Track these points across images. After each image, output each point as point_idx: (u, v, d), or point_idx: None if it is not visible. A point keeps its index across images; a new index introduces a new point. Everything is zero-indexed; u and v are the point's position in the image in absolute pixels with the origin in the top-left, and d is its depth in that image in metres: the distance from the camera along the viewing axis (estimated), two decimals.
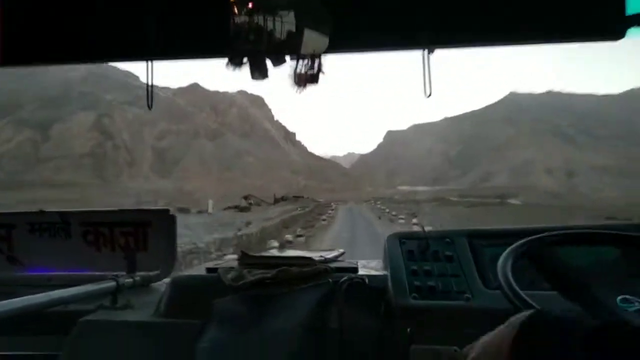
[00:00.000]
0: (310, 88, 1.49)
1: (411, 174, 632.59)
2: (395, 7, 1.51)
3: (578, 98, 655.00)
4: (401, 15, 1.51)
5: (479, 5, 1.51)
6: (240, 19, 1.42)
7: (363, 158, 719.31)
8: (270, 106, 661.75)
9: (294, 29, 1.42)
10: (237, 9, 1.42)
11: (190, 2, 1.61)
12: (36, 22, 1.70)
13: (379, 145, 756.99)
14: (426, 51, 1.49)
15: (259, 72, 1.48)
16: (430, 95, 1.47)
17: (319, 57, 1.48)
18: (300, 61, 1.48)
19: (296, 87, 1.50)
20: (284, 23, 1.41)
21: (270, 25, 1.42)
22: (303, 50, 1.44)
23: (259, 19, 1.41)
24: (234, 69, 1.50)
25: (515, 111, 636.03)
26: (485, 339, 0.84)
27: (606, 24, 1.46)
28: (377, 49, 1.61)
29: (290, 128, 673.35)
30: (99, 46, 1.71)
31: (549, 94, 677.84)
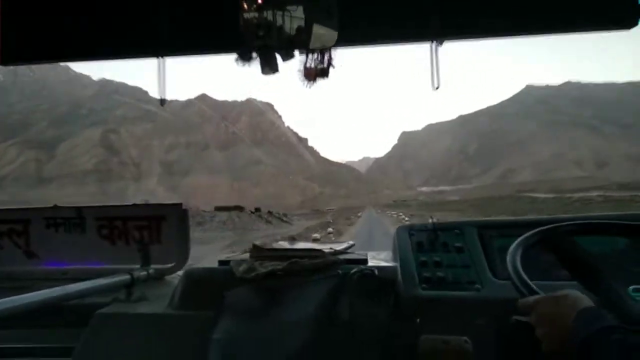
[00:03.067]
0: (321, 82, 1.45)
1: (430, 174, 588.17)
2: (403, 1, 1.48)
3: (598, 88, 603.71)
4: (409, 8, 1.46)
5: None
6: (250, 15, 1.39)
7: (378, 161, 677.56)
8: (280, 112, 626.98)
9: (302, 24, 1.38)
10: (247, 5, 1.39)
11: None
12: (45, 19, 1.65)
13: (394, 147, 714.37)
14: (434, 43, 1.44)
15: (269, 66, 1.44)
16: (438, 87, 1.44)
17: (329, 51, 1.43)
18: (310, 55, 1.43)
19: (306, 82, 1.46)
20: (293, 18, 1.38)
21: (279, 20, 1.38)
22: (312, 45, 1.40)
23: (268, 15, 1.37)
24: (244, 64, 1.47)
25: (533, 104, 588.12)
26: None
27: (618, 13, 1.40)
28: (386, 42, 1.56)
29: (303, 134, 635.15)
30: (111, 43, 1.65)
31: (567, 84, 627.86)
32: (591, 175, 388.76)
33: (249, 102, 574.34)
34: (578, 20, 1.43)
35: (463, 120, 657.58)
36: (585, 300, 0.80)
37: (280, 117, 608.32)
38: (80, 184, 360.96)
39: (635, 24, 1.38)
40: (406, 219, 50.03)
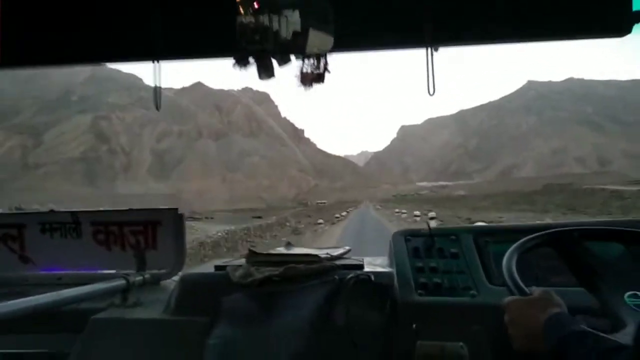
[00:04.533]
0: (317, 86, 1.46)
1: (429, 169, 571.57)
2: (399, 6, 1.48)
3: (600, 85, 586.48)
4: (405, 14, 1.47)
5: (483, 3, 1.45)
6: (246, 19, 1.39)
7: (377, 155, 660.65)
8: (277, 103, 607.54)
9: (299, 29, 1.38)
10: (243, 9, 1.39)
11: (196, 3, 1.56)
12: (42, 23, 1.65)
13: (393, 141, 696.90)
14: (430, 49, 1.44)
15: (265, 71, 1.44)
16: (434, 93, 1.43)
17: (325, 56, 1.44)
18: (306, 60, 1.44)
19: (302, 86, 1.46)
20: (290, 23, 1.38)
21: (275, 25, 1.37)
22: (308, 50, 1.40)
23: (264, 19, 1.38)
24: (241, 69, 1.47)
25: (535, 100, 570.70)
26: None
27: (612, 20, 1.40)
28: (381, 47, 1.57)
29: (299, 125, 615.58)
30: (107, 47, 1.65)
31: (569, 81, 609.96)
32: (599, 171, 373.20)
33: (245, 92, 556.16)
34: (572, 27, 1.44)
35: (463, 114, 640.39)
36: (557, 304, 0.82)
37: (276, 107, 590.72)
38: (66, 172, 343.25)
39: (629, 31, 1.38)
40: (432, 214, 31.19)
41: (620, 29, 1.39)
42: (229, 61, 1.49)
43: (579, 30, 1.44)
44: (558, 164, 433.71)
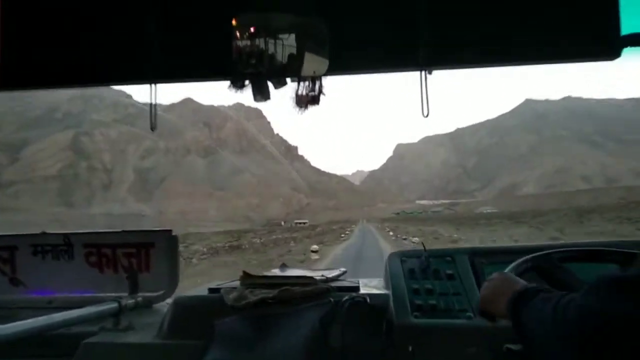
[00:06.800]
0: (312, 108, 1.45)
1: (426, 187, 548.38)
2: (393, 30, 1.49)
3: (598, 103, 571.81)
4: (399, 37, 1.48)
5: (475, 27, 1.46)
6: (242, 43, 1.38)
7: (373, 174, 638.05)
8: (269, 119, 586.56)
9: (294, 52, 1.38)
10: (239, 33, 1.38)
11: (193, 25, 1.57)
12: (38, 47, 1.64)
13: (389, 159, 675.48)
14: (424, 72, 1.45)
15: (260, 94, 1.44)
16: (428, 115, 1.44)
17: (320, 78, 1.45)
18: (301, 83, 1.45)
19: (297, 109, 1.46)
20: (285, 46, 1.37)
21: (271, 48, 1.37)
22: (304, 73, 1.40)
23: (260, 43, 1.37)
24: (236, 91, 1.46)
25: (533, 118, 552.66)
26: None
27: (602, 44, 1.41)
28: (375, 70, 1.59)
29: (293, 142, 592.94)
30: (103, 70, 1.65)
31: (567, 99, 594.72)
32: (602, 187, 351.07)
33: (236, 108, 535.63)
34: (562, 51, 1.46)
35: (461, 133, 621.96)
36: (519, 283, 0.87)
37: (269, 123, 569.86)
38: (39, 191, 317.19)
39: (618, 55, 1.38)
40: None
41: (609, 53, 1.40)
42: (224, 82, 1.49)
43: (569, 55, 1.47)
44: (561, 182, 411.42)
